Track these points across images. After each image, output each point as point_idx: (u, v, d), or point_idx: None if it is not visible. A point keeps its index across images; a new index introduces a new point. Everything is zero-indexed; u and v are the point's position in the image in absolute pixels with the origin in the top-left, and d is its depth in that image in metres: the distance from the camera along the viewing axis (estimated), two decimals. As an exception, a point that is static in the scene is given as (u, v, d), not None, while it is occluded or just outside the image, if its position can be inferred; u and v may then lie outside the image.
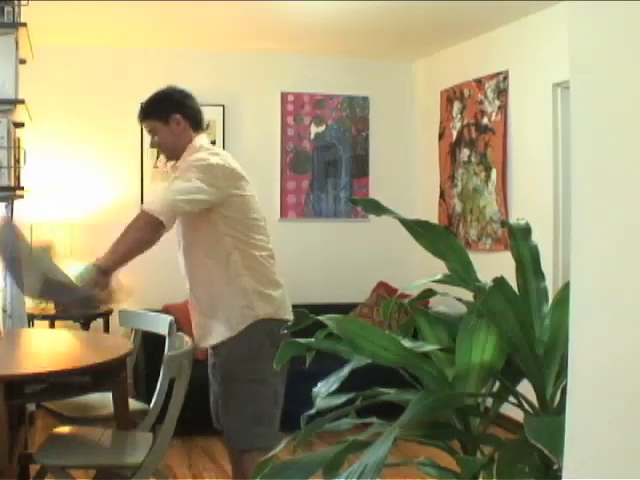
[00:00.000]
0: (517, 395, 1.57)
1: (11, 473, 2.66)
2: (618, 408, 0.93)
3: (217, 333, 2.87)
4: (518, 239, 1.66)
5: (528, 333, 1.51)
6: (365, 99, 5.94)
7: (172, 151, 2.95)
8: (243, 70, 5.70)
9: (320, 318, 1.57)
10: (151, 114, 2.93)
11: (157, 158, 5.48)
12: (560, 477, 1.04)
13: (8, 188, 3.25)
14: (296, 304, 3.81)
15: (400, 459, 1.77)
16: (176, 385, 2.74)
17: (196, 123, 2.96)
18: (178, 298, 4.17)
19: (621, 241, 0.93)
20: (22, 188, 3.40)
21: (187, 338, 2.95)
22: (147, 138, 5.39)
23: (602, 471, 0.95)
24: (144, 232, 2.66)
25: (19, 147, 3.41)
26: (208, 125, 3.02)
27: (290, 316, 2.84)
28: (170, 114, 2.89)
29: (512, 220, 1.77)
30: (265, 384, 2.83)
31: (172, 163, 3.00)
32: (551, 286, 1.69)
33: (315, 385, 1.75)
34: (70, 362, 2.81)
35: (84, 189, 5.22)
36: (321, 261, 5.82)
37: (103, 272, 2.63)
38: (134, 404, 3.27)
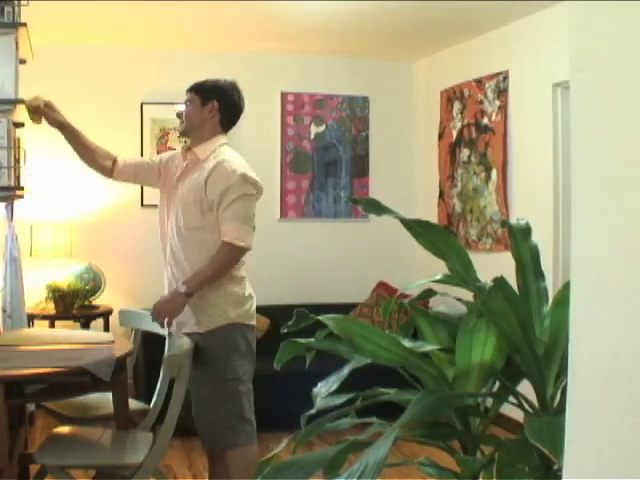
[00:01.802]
0: (517, 395, 1.57)
1: (11, 473, 2.66)
2: (618, 408, 0.93)
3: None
4: (518, 239, 1.66)
5: (528, 333, 1.51)
6: (365, 99, 5.94)
7: (191, 128, 3.04)
8: (243, 70, 5.69)
9: (320, 318, 1.57)
10: (197, 89, 3.04)
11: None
12: (560, 477, 1.04)
13: (8, 188, 3.24)
14: (296, 304, 3.82)
15: (400, 459, 1.77)
16: (176, 385, 2.74)
17: (227, 122, 3.08)
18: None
19: (621, 241, 0.93)
20: (22, 188, 3.39)
21: (187, 338, 2.95)
22: (147, 139, 5.45)
23: (602, 471, 0.95)
24: (231, 257, 2.88)
25: (19, 147, 3.40)
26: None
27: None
28: (211, 98, 3.01)
29: (512, 220, 1.77)
30: (242, 382, 2.93)
31: (181, 150, 3.11)
32: (551, 286, 1.69)
33: (315, 385, 1.75)
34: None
35: (84, 189, 5.21)
36: (321, 261, 5.81)
37: (188, 295, 2.86)
38: (134, 404, 3.27)
